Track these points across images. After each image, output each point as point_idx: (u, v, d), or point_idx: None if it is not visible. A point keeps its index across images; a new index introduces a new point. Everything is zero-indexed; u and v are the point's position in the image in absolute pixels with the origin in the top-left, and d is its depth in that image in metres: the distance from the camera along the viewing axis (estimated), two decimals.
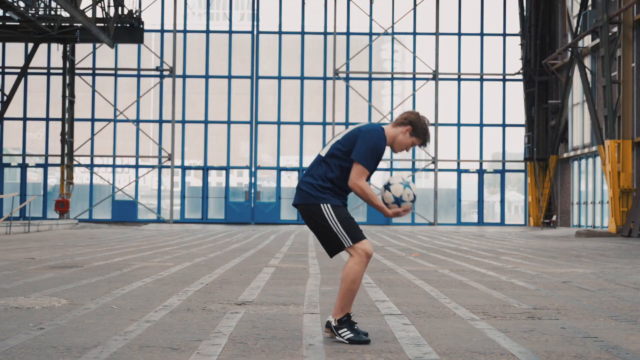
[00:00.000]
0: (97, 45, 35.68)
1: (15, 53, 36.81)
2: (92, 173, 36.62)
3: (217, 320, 5.55)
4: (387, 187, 4.80)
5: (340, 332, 4.72)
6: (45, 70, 36.55)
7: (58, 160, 35.51)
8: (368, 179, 4.74)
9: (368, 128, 4.76)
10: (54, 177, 37.03)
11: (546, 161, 34.28)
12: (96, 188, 36.66)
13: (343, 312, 4.76)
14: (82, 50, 36.06)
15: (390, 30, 36.58)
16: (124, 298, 6.78)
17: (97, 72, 36.52)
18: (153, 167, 36.71)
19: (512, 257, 13.34)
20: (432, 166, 36.41)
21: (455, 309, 6.32)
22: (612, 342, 4.86)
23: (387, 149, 4.88)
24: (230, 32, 37.07)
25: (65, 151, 33.81)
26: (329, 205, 4.73)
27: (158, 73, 36.78)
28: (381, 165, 36.99)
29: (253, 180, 36.34)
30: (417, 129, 4.84)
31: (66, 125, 33.81)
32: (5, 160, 37.01)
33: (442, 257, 13.16)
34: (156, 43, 37.03)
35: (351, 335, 4.70)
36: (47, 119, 36.61)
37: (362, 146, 4.67)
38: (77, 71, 35.51)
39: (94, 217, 36.32)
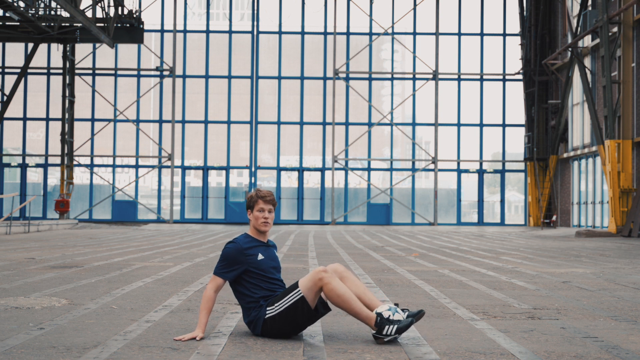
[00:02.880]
0: (97, 45, 35.69)
1: (15, 53, 36.82)
2: (92, 173, 36.62)
3: (217, 320, 5.55)
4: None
5: (384, 332, 4.65)
6: (45, 70, 36.56)
7: (58, 160, 35.52)
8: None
9: None
10: (54, 177, 37.03)
11: (546, 161, 34.29)
12: (96, 188, 36.66)
13: (371, 319, 4.71)
14: (82, 50, 36.07)
15: (390, 30, 36.58)
16: (124, 298, 6.78)
17: (97, 72, 36.52)
18: (153, 167, 36.71)
19: (512, 257, 13.33)
20: (432, 166, 36.41)
21: (455, 309, 6.32)
22: (612, 342, 4.86)
23: None
24: (230, 32, 37.08)
25: (65, 151, 33.81)
26: (267, 311, 4.84)
27: (158, 73, 36.77)
28: (381, 165, 37.02)
29: (253, 180, 36.34)
30: (249, 205, 5.07)
31: (66, 125, 33.81)
32: (5, 160, 37.01)
33: (442, 257, 13.16)
34: (156, 43, 37.03)
35: (394, 327, 4.63)
36: (47, 119, 36.62)
37: (218, 259, 5.05)
38: (77, 71, 35.51)
39: (94, 217, 36.33)
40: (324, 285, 4.74)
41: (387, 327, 4.65)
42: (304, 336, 4.94)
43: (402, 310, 4.83)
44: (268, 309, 4.83)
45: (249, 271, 4.93)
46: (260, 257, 4.96)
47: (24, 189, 36.21)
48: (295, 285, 4.84)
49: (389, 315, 4.71)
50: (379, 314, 4.70)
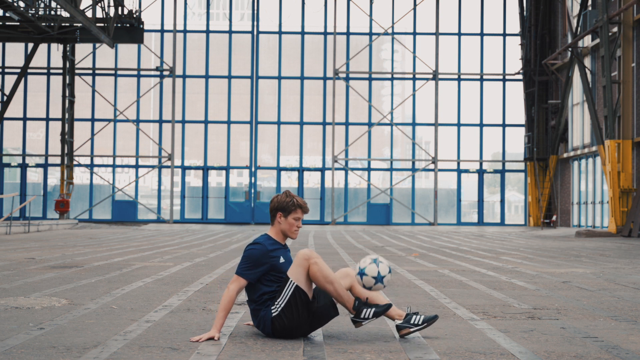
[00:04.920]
0: (97, 45, 35.69)
1: (15, 53, 36.82)
2: (92, 173, 36.62)
3: None
4: (362, 273, 4.84)
5: (362, 315, 4.77)
6: (45, 70, 36.56)
7: (58, 160, 35.52)
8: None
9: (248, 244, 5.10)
10: (54, 177, 37.03)
11: (546, 161, 34.29)
12: (96, 188, 36.67)
13: (351, 302, 4.80)
14: (82, 50, 36.07)
15: (390, 30, 36.58)
16: (124, 298, 6.78)
17: (97, 72, 36.52)
18: (153, 167, 36.71)
19: (512, 257, 13.34)
20: (432, 166, 36.41)
21: (455, 309, 6.32)
22: (612, 342, 4.86)
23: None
24: (230, 32, 37.08)
25: (65, 151, 33.82)
26: (272, 311, 4.84)
27: (158, 73, 36.77)
28: (381, 165, 37.02)
29: (253, 180, 36.34)
30: (285, 209, 5.01)
31: (66, 125, 33.81)
32: (5, 160, 37.01)
33: (442, 257, 13.16)
34: (156, 43, 37.03)
35: (371, 309, 4.76)
36: (47, 119, 36.62)
37: (241, 260, 4.96)
38: (77, 71, 35.51)
39: (94, 217, 36.33)
40: (310, 265, 4.78)
41: (364, 310, 4.77)
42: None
43: (414, 313, 4.91)
44: (272, 308, 4.84)
45: (268, 274, 4.93)
46: (282, 260, 4.98)
47: (24, 189, 36.21)
48: (286, 278, 4.87)
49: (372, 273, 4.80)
50: (357, 299, 4.81)
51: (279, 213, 5.01)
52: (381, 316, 4.80)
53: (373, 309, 4.75)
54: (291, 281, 4.81)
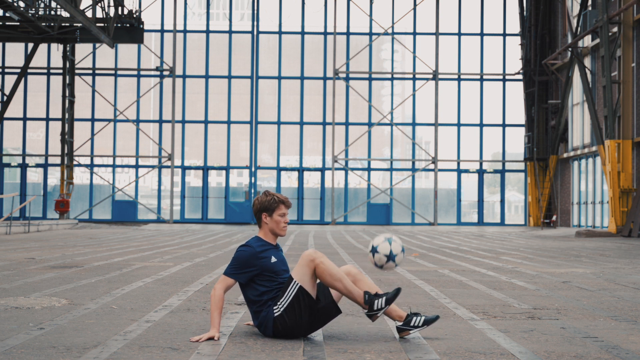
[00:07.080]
0: (97, 45, 35.69)
1: (15, 53, 36.82)
2: (92, 173, 36.62)
3: None
4: (374, 251, 4.95)
5: (375, 307, 4.78)
6: (45, 70, 36.56)
7: (58, 160, 35.52)
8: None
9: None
10: (54, 177, 37.02)
11: (546, 161, 34.29)
12: (96, 188, 36.66)
13: (361, 297, 4.82)
14: (82, 50, 36.07)
15: (390, 30, 36.58)
16: (124, 298, 6.78)
17: (97, 72, 36.52)
18: (153, 167, 36.71)
19: (512, 257, 13.34)
20: (432, 166, 36.41)
21: (455, 309, 6.32)
22: (612, 342, 4.86)
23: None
24: (230, 32, 37.08)
25: (65, 151, 33.82)
26: (274, 311, 4.84)
27: (158, 73, 36.77)
28: (381, 165, 37.02)
29: (253, 180, 36.34)
30: (268, 208, 5.02)
31: (66, 125, 33.82)
32: (5, 160, 37.00)
33: (442, 257, 13.16)
34: (156, 43, 37.03)
35: (382, 298, 4.78)
36: (47, 119, 36.62)
37: (230, 260, 5.00)
38: (77, 71, 35.51)
39: (94, 217, 36.33)
40: (317, 266, 4.78)
41: (376, 301, 4.78)
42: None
43: (415, 314, 4.91)
44: (274, 308, 4.84)
45: (261, 275, 4.92)
46: (273, 259, 4.97)
47: (24, 189, 36.21)
48: (290, 279, 4.86)
49: (385, 250, 4.91)
50: (366, 292, 4.81)
51: (263, 214, 5.03)
52: (393, 302, 4.81)
53: (384, 297, 4.77)
54: (295, 282, 4.81)
